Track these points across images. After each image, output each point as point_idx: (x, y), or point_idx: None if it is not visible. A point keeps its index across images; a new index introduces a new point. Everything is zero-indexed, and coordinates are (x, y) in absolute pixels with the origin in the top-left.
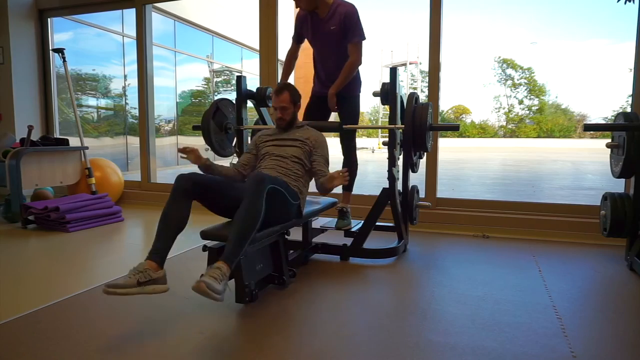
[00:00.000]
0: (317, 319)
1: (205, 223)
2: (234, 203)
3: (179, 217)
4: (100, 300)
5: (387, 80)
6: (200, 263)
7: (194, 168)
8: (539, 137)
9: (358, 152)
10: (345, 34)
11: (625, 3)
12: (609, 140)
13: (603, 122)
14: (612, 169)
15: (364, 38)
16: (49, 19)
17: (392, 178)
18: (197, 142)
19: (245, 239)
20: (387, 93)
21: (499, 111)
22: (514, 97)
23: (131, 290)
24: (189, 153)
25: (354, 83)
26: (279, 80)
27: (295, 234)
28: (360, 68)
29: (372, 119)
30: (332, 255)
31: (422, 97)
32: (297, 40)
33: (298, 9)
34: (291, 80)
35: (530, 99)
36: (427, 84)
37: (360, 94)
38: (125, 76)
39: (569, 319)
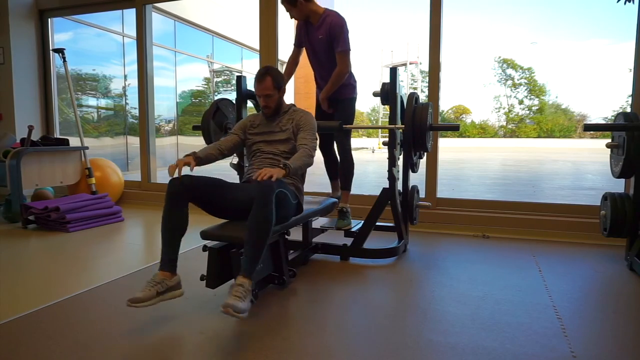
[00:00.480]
0: (317, 319)
1: (205, 223)
2: (230, 204)
3: (178, 222)
4: (101, 300)
5: (387, 80)
6: (200, 263)
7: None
8: (539, 137)
9: (358, 152)
10: (331, 43)
11: (625, 3)
12: (609, 140)
13: (603, 122)
14: (612, 169)
15: (349, 49)
16: (49, 19)
17: (392, 178)
18: (197, 142)
19: (261, 248)
20: (387, 93)
21: (499, 111)
22: (514, 97)
23: (153, 301)
24: (178, 166)
25: (347, 87)
26: None
27: (295, 234)
28: (359, 70)
29: (372, 119)
30: (332, 255)
31: (422, 97)
32: (298, 44)
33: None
34: (291, 81)
35: (530, 99)
36: (427, 84)
37: (356, 96)
38: (125, 76)
39: (569, 319)
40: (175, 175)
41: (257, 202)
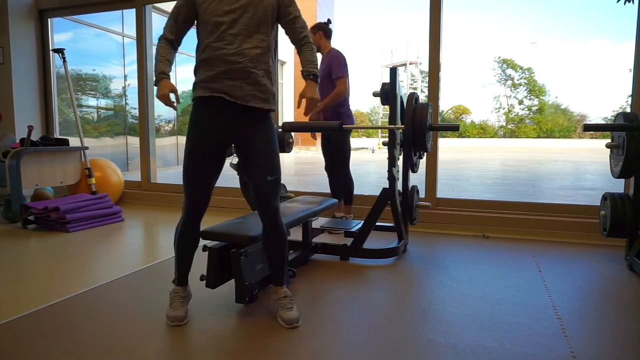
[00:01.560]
0: (317, 319)
1: (206, 223)
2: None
3: (194, 237)
4: (101, 300)
5: (387, 80)
6: (200, 263)
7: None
8: (539, 137)
9: (358, 152)
10: (329, 72)
11: (625, 3)
12: (609, 141)
13: (603, 122)
14: (612, 169)
15: (343, 75)
16: (49, 19)
17: (392, 178)
18: None
19: (285, 258)
20: (387, 93)
21: (498, 111)
22: (514, 97)
23: (187, 314)
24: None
25: (349, 118)
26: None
27: (296, 234)
28: (359, 70)
29: (372, 119)
30: (332, 255)
31: (422, 97)
32: None
33: None
34: (291, 80)
35: (530, 99)
36: (427, 84)
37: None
38: (125, 76)
39: (569, 319)
40: (174, 102)
41: (267, 226)
